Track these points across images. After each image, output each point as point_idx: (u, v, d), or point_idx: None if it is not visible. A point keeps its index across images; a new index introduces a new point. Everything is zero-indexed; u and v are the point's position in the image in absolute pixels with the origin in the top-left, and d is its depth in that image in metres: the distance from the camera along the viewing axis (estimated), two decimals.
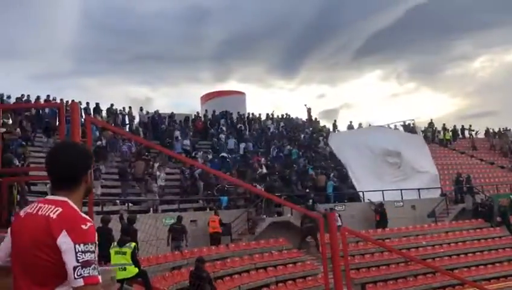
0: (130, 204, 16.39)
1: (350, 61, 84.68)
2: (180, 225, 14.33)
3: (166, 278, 11.73)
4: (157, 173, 17.88)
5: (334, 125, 32.25)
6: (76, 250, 1.78)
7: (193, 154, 21.10)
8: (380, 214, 19.66)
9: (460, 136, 34.51)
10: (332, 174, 22.03)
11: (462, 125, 35.26)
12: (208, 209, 17.17)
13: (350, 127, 31.49)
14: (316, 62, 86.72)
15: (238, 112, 29.38)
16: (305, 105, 33.93)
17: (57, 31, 72.00)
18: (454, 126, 35.04)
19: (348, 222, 17.65)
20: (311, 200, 18.75)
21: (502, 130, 35.76)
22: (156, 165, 18.49)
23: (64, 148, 2.11)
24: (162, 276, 11.66)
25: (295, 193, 19.65)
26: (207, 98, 35.74)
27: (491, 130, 35.76)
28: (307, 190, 20.28)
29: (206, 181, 18.48)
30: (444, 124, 33.86)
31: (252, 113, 30.37)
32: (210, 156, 21.59)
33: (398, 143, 23.91)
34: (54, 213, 1.86)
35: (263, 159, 22.59)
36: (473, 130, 34.67)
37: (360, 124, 31.71)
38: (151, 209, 16.25)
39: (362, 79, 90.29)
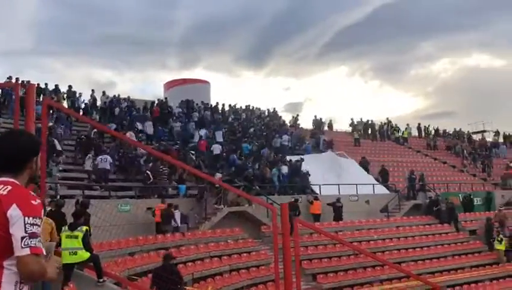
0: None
1: (317, 56, 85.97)
2: (168, 211, 15.13)
3: (118, 263, 11.63)
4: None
5: (296, 119, 32.59)
6: (25, 222, 1.91)
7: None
8: (333, 208, 20.10)
9: (423, 134, 35.88)
10: (283, 166, 22.03)
11: (425, 126, 36.82)
12: (164, 198, 16.97)
13: (317, 122, 32.00)
14: (283, 55, 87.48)
15: (202, 101, 29.13)
16: None
17: (16, 4, 68.90)
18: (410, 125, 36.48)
19: (303, 214, 18.23)
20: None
21: (456, 131, 37.52)
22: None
23: (13, 135, 2.22)
24: (114, 261, 11.53)
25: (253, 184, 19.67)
26: (171, 85, 35.27)
27: (445, 131, 37.44)
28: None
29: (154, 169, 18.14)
30: (397, 125, 35.16)
31: (217, 103, 30.20)
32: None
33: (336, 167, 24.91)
34: (3, 190, 1.98)
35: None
36: (429, 130, 36.21)
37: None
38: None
39: (327, 74, 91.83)
